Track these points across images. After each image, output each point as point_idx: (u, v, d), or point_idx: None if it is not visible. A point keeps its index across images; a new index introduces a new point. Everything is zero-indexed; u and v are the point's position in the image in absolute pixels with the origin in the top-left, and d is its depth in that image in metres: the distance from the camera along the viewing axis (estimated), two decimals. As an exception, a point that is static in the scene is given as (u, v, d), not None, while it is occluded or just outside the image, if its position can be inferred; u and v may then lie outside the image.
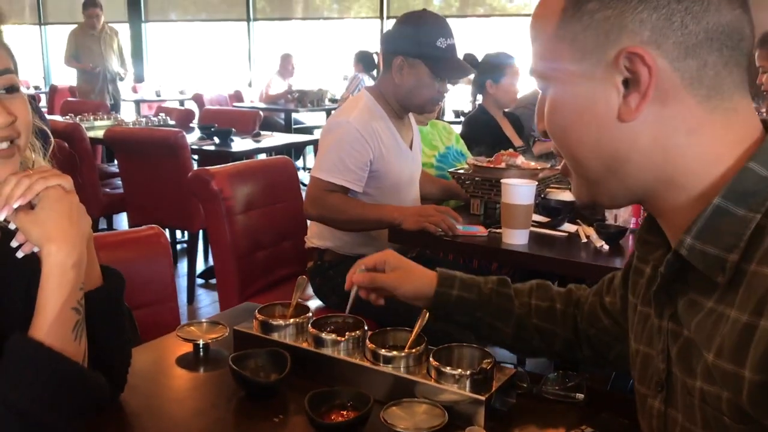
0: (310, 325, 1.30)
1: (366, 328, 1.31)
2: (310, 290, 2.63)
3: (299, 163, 8.45)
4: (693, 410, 0.80)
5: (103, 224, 5.27)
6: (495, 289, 1.30)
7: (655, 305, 0.87)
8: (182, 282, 4.59)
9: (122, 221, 4.99)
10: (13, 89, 1.01)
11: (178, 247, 5.00)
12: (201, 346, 1.37)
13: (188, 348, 1.38)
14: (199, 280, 4.53)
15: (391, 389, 1.19)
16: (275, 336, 1.32)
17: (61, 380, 0.95)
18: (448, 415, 1.10)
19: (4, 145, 1.00)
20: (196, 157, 4.63)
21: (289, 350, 1.26)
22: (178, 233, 4.98)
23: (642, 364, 0.93)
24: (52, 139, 1.17)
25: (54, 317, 0.96)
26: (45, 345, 0.95)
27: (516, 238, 2.18)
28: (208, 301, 4.31)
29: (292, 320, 1.33)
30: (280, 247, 2.86)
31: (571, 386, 1.24)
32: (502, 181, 2.21)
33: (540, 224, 2.34)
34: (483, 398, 1.11)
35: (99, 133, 4.66)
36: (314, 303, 2.63)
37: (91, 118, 5.20)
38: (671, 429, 0.85)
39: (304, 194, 2.94)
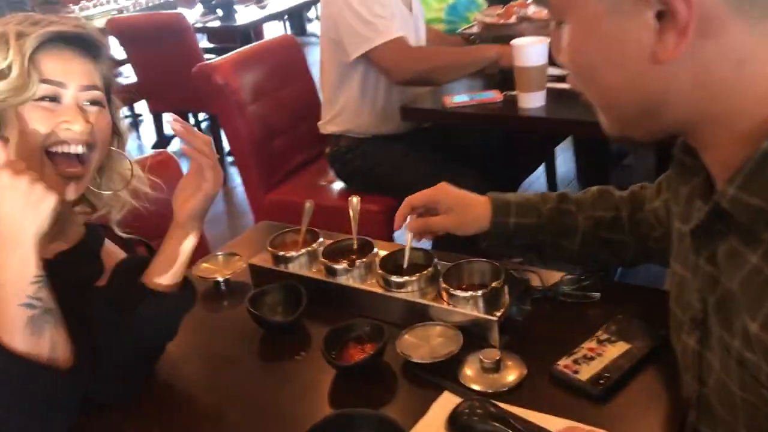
0: (321, 254, 1.30)
1: (376, 250, 1.30)
2: (332, 173, 2.63)
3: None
4: (729, 367, 0.75)
5: (125, 112, 5.26)
6: (555, 207, 1.22)
7: (692, 241, 0.81)
8: (212, 162, 4.63)
9: (142, 108, 4.95)
10: (96, 103, 1.08)
11: (203, 125, 4.98)
12: (221, 282, 1.39)
13: (208, 282, 1.40)
14: (230, 158, 4.54)
15: (404, 314, 1.20)
16: (288, 268, 1.32)
17: (6, 377, 0.93)
18: (464, 334, 1.12)
19: (80, 149, 1.04)
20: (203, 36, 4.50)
21: (304, 282, 1.28)
22: (201, 115, 4.95)
23: (678, 285, 0.88)
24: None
25: (5, 315, 0.93)
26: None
27: (531, 101, 2.10)
28: (239, 180, 4.35)
29: (303, 250, 1.33)
30: (297, 132, 2.82)
31: (586, 286, 1.23)
32: (512, 43, 2.09)
33: (557, 78, 2.24)
34: (495, 318, 1.11)
35: (101, 22, 4.53)
36: (338, 185, 2.63)
37: (90, 5, 5.03)
38: (707, 374, 0.81)
39: (314, 74, 2.87)
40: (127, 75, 4.56)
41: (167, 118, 1.11)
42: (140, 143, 5.32)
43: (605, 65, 0.73)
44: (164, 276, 1.10)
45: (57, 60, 1.05)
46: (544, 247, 1.24)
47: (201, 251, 1.75)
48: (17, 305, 0.92)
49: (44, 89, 1.03)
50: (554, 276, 1.26)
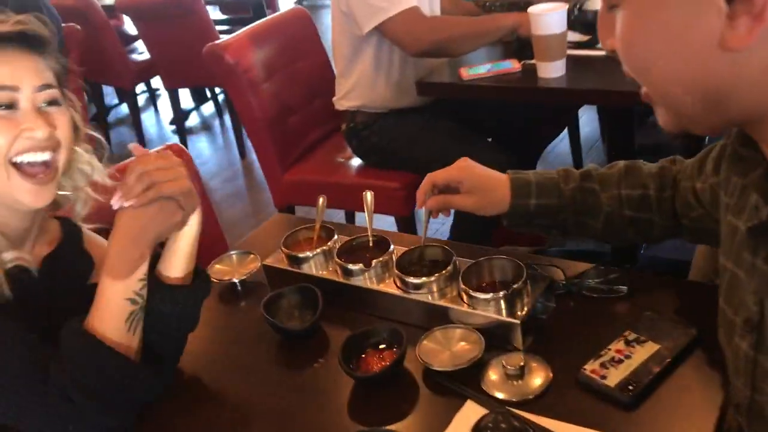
0: (336, 255, 1.26)
1: (392, 248, 1.26)
2: (350, 150, 2.58)
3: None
4: None
5: (141, 87, 5.23)
6: (578, 187, 1.16)
7: (748, 238, 0.76)
8: (230, 136, 4.60)
9: (159, 83, 4.90)
10: (53, 103, 1.04)
11: (220, 99, 4.94)
12: (237, 283, 1.36)
13: (224, 284, 1.37)
14: (247, 131, 4.50)
15: (423, 315, 1.16)
16: (303, 268, 1.29)
17: (106, 372, 0.98)
18: (486, 336, 1.08)
19: (46, 155, 1.02)
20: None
21: (319, 283, 1.24)
22: (217, 89, 4.89)
23: (729, 283, 0.83)
24: (105, 144, 1.20)
25: (107, 306, 1.00)
26: (93, 335, 0.98)
27: (551, 71, 2.02)
28: (258, 155, 4.32)
29: (318, 249, 1.29)
30: (312, 107, 2.76)
31: (613, 278, 1.18)
32: (529, 10, 2.01)
33: (577, 44, 2.15)
34: (518, 321, 1.07)
35: (109, 1, 4.47)
36: (356, 161, 2.58)
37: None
38: (760, 380, 0.77)
39: (327, 46, 2.80)
40: (141, 51, 4.52)
41: (130, 146, 1.10)
42: (158, 118, 5.30)
43: (666, 55, 0.67)
44: (173, 269, 1.07)
45: (3, 64, 1.00)
46: (567, 226, 1.20)
47: (214, 241, 1.73)
48: (123, 299, 1.00)
49: None
50: (578, 268, 1.21)
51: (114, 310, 1.00)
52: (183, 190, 1.01)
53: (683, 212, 1.12)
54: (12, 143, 0.99)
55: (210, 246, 1.70)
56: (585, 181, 1.18)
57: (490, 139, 2.71)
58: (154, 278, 1.06)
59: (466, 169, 1.22)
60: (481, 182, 1.20)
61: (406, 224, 2.47)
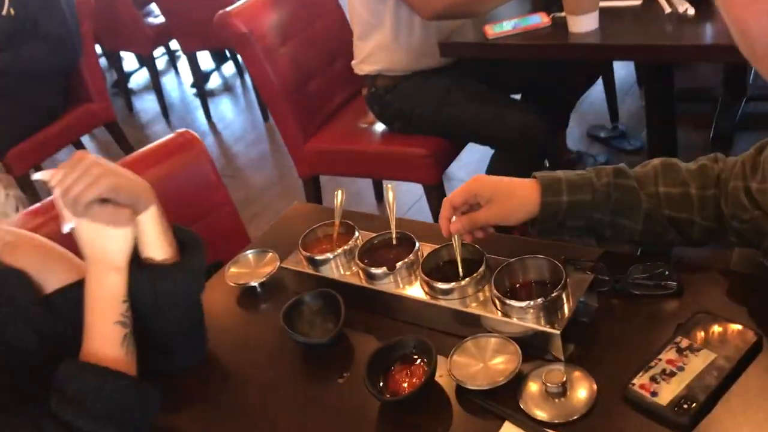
0: (357, 256, 1.17)
1: (417, 246, 1.16)
2: (372, 116, 2.47)
3: None
4: None
5: (160, 51, 5.13)
6: (612, 183, 1.07)
7: None
8: (252, 97, 4.49)
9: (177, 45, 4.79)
10: None
11: (240, 58, 4.81)
12: (257, 286, 1.28)
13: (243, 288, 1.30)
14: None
15: (453, 322, 1.08)
16: (324, 271, 1.20)
17: (110, 394, 0.94)
18: (521, 345, 0.99)
19: None
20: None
21: (340, 288, 1.16)
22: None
23: None
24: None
25: (100, 334, 0.97)
26: (90, 363, 0.94)
27: (583, 24, 1.88)
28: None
29: (339, 250, 1.20)
30: (332, 70, 2.65)
31: (660, 273, 1.08)
32: (556, -41, 1.85)
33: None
34: (558, 332, 0.98)
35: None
36: (380, 127, 2.47)
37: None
38: None
39: (342, 3, 2.66)
40: (157, 14, 4.40)
41: (35, 177, 1.02)
42: (179, 80, 5.21)
43: None
44: (153, 254, 1.02)
45: None
46: (602, 228, 1.10)
47: (234, 233, 1.65)
48: (114, 323, 0.97)
49: None
50: (622, 262, 1.11)
51: (108, 337, 0.97)
52: (108, 188, 0.94)
53: (733, 214, 1.02)
54: None
55: (231, 237, 1.63)
56: (619, 177, 1.08)
57: (519, 96, 2.58)
58: (141, 264, 1.01)
59: (478, 180, 1.12)
60: (498, 188, 1.10)
61: (434, 193, 2.36)
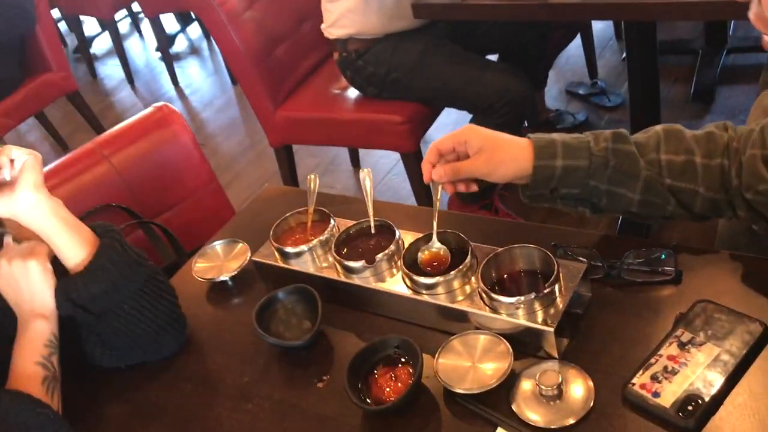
0: (333, 248, 1.09)
1: (398, 235, 1.09)
2: (344, 81, 2.36)
3: None
4: None
5: (122, 14, 4.94)
6: (611, 148, 0.99)
7: None
8: (220, 60, 4.33)
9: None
10: None
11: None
12: (228, 281, 1.20)
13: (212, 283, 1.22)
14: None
15: (439, 319, 1.01)
16: (297, 265, 1.12)
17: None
18: (512, 342, 0.93)
19: None
20: None
21: (316, 283, 1.08)
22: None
23: None
24: None
25: (20, 371, 0.98)
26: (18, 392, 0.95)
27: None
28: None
29: (314, 240, 1.12)
30: (300, 33, 2.53)
31: (657, 259, 1.01)
32: None
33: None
34: (551, 329, 0.91)
35: None
36: (352, 93, 2.37)
37: None
38: None
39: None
40: (116, -25, 4.21)
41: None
42: (144, 44, 5.02)
43: None
44: (70, 258, 1.02)
45: None
46: (598, 196, 1.01)
47: (221, 208, 1.57)
48: (34, 363, 0.98)
49: None
50: (616, 247, 1.04)
51: (30, 377, 0.97)
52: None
53: (748, 184, 0.94)
54: None
55: (216, 217, 1.55)
56: (618, 143, 0.99)
57: (497, 56, 2.49)
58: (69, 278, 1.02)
59: (471, 128, 1.02)
60: (488, 139, 1.01)
61: (412, 161, 2.27)
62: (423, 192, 2.37)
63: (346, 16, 2.17)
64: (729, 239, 1.26)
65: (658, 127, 1.02)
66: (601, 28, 3.46)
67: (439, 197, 1.05)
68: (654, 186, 0.99)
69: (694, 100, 2.83)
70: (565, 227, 1.12)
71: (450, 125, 2.93)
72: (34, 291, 1.00)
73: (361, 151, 2.97)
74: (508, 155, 1.00)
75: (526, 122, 2.43)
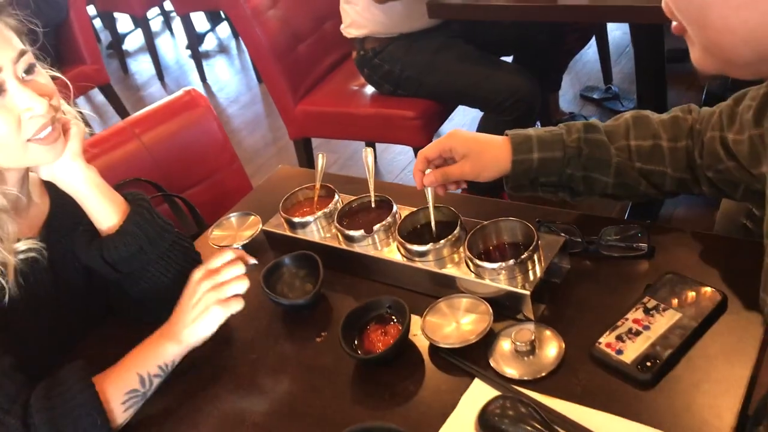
0: (336, 219, 1.19)
1: (395, 209, 1.18)
2: (362, 78, 2.46)
3: None
4: None
5: (154, 12, 5.09)
6: (583, 138, 1.09)
7: None
8: (247, 58, 4.46)
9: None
10: (31, 67, 1.00)
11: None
12: (240, 248, 1.30)
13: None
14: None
15: (428, 283, 1.10)
16: (303, 234, 1.22)
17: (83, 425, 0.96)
18: (495, 305, 1.02)
19: (56, 128, 1.01)
20: None
21: (319, 250, 1.18)
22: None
23: None
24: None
25: (121, 368, 1.01)
26: (93, 386, 0.97)
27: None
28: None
29: (319, 212, 1.22)
30: (322, 32, 2.64)
31: (632, 236, 1.09)
32: None
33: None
34: (528, 292, 1.00)
35: None
36: (369, 90, 2.47)
37: None
38: None
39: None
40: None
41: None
42: (174, 42, 5.18)
43: (724, 4, 0.67)
44: (104, 221, 1.08)
45: None
46: (575, 182, 1.11)
47: (240, 185, 1.67)
48: (137, 372, 1.00)
49: None
50: (595, 225, 1.13)
51: (125, 378, 1.00)
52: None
53: (708, 164, 1.03)
54: (18, 128, 0.97)
55: (238, 194, 1.65)
56: (590, 132, 1.09)
57: (511, 58, 2.57)
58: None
59: (454, 135, 1.15)
60: (471, 144, 1.13)
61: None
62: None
63: (363, 15, 2.27)
64: (725, 234, 1.34)
65: (627, 114, 1.12)
66: (618, 35, 3.53)
67: (432, 200, 1.15)
68: (625, 170, 1.08)
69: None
70: (549, 207, 1.20)
71: (466, 125, 3.02)
72: (199, 326, 1.01)
73: (379, 148, 3.07)
74: (490, 157, 1.12)
75: (538, 123, 2.51)
